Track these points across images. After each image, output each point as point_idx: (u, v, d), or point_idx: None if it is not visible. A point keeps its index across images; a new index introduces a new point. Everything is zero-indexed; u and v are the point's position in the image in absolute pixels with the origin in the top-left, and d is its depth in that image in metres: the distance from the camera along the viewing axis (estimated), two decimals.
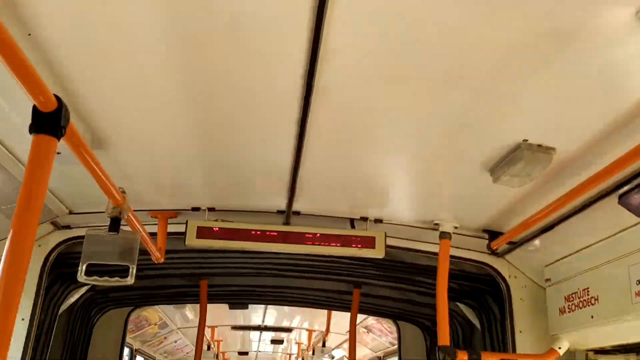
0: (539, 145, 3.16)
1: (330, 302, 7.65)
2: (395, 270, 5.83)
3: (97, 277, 3.13)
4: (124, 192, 3.16)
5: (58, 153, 3.26)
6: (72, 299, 6.17)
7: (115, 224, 3.09)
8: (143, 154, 3.64)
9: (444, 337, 4.29)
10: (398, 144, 3.43)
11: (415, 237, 5.04)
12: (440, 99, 2.86)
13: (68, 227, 4.78)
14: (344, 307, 7.69)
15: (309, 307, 8.18)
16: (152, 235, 4.51)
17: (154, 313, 9.96)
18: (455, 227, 4.55)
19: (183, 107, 3.04)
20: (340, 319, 10.40)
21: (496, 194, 3.91)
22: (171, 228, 4.86)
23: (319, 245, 4.51)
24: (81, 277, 3.06)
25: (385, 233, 4.60)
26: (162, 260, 4.46)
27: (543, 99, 2.79)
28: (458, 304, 6.51)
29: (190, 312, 10.24)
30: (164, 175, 4.01)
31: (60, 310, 5.90)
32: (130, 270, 3.11)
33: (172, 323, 11.16)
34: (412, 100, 2.88)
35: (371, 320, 10.18)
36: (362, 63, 2.59)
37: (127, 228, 3.78)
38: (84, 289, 6.29)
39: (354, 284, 6.73)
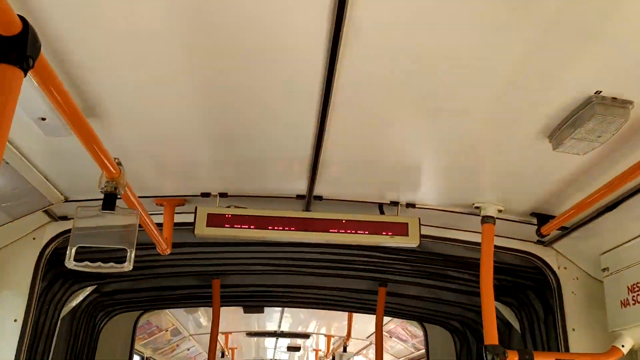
0: (614, 99, 2.63)
1: (353, 303, 7.09)
2: (426, 264, 5.28)
3: (88, 263, 2.64)
4: (119, 163, 2.68)
5: (43, 119, 2.83)
6: (75, 301, 5.70)
7: (109, 201, 2.60)
8: (143, 128, 3.16)
9: (491, 335, 3.74)
10: (434, 114, 2.94)
11: (450, 224, 4.50)
12: (492, 49, 2.36)
13: (65, 218, 4.31)
14: (366, 308, 7.13)
15: (330, 309, 7.60)
16: (159, 226, 4.03)
17: (165, 318, 9.48)
18: (500, 211, 4.01)
19: (190, 74, 2.61)
20: (360, 323, 9.84)
21: (552, 167, 3.37)
22: (179, 218, 4.37)
23: (344, 233, 4.00)
24: (69, 262, 2.58)
25: (419, 219, 4.07)
26: (168, 251, 3.97)
27: (618, 42, 2.28)
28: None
29: (203, 317, 9.73)
30: (169, 154, 3.52)
31: (63, 313, 5.43)
32: (128, 254, 2.62)
33: (185, 329, 10.67)
34: None
35: (391, 325, 9.59)
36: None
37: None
38: (88, 290, 5.82)
39: (380, 281, 6.18)
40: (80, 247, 2.58)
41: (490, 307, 3.84)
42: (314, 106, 2.82)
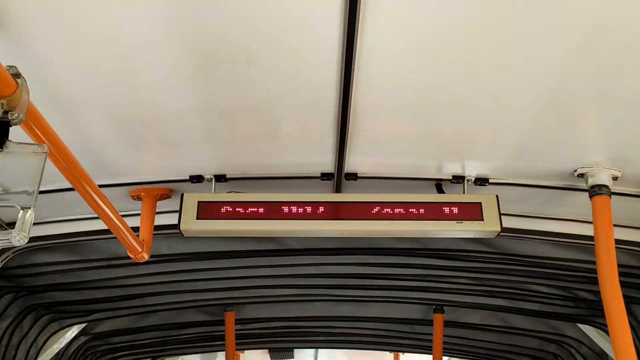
0: None
1: (402, 339, 5.69)
2: (497, 274, 3.99)
3: None
4: (17, 75, 1.60)
5: None
6: (58, 345, 4.58)
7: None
8: (93, 62, 2.10)
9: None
10: (518, 45, 1.91)
11: (535, 211, 3.27)
12: None
13: None
14: (419, 346, 5.74)
15: (375, 348, 6.17)
16: (135, 230, 2.93)
17: None
18: (615, 178, 2.78)
19: None
20: None
21: None
22: (164, 219, 3.28)
23: (391, 220, 2.80)
24: None
25: (497, 196, 2.87)
26: (145, 256, 2.83)
27: None
28: (580, 325, 4.60)
29: None
30: (135, 112, 2.44)
31: None
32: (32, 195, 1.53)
33: None
34: None
35: None
36: None
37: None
38: (74, 331, 4.71)
39: (435, 305, 4.88)
40: None
41: (622, 327, 2.52)
42: (335, 41, 1.85)
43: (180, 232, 2.86)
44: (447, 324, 5.04)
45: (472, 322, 5.11)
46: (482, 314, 5.00)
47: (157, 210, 3.29)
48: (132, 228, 2.77)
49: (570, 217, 3.22)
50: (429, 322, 5.08)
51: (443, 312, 4.93)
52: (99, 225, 3.34)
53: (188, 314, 5.08)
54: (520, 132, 2.58)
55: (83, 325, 4.83)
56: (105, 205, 2.35)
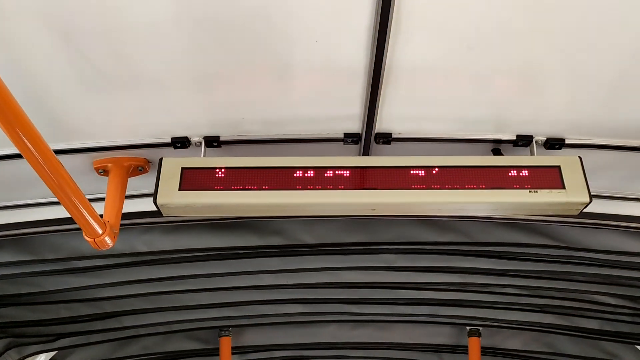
0: None
1: None
2: (560, 278, 3.22)
3: None
4: None
5: None
6: None
7: None
8: None
9: None
10: None
11: (624, 188, 2.55)
12: None
13: None
14: None
15: None
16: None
17: None
18: None
19: None
20: None
21: None
22: (140, 205, 2.56)
23: (439, 189, 2.08)
24: None
25: (581, 158, 2.15)
26: (108, 243, 2.08)
27: None
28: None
29: None
30: (91, 26, 1.75)
31: None
32: None
33: None
34: None
35: None
36: None
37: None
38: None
39: (470, 326, 4.09)
40: None
41: None
42: None
43: (159, 210, 2.14)
44: (484, 351, 4.23)
45: (511, 348, 4.30)
46: (525, 337, 4.20)
47: (131, 193, 2.58)
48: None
49: None
50: (462, 349, 4.28)
51: (479, 335, 4.13)
52: (54, 212, 2.61)
53: (176, 341, 4.26)
54: (611, 70, 1.91)
55: (51, 354, 4.02)
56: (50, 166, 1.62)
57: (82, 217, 1.90)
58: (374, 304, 3.78)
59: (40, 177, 1.67)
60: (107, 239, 2.07)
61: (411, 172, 2.11)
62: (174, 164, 2.14)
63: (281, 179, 2.10)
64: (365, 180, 2.10)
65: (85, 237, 2.02)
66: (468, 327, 4.13)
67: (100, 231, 2.02)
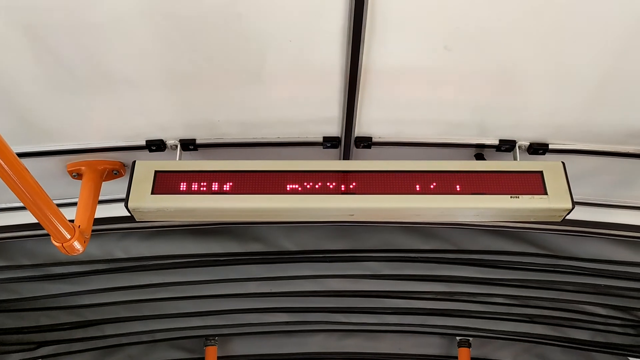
0: None
1: None
2: (548, 288, 3.15)
3: None
4: None
5: None
6: None
7: None
8: None
9: None
10: None
11: (608, 195, 2.50)
12: None
13: None
14: None
15: None
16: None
17: None
18: None
19: None
20: None
21: None
22: (119, 210, 2.49)
23: (420, 193, 2.03)
24: None
25: (564, 163, 2.10)
26: (78, 249, 2.02)
27: None
28: None
29: None
30: (55, 19, 1.70)
31: None
32: None
33: None
34: None
35: None
36: None
37: None
38: None
39: (460, 336, 4.01)
40: None
41: None
42: None
43: (132, 216, 2.08)
44: None
45: None
46: (516, 348, 4.13)
47: (108, 198, 2.53)
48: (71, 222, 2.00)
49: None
50: None
51: (470, 345, 4.06)
52: (29, 216, 2.55)
53: (161, 350, 4.18)
54: (595, 74, 1.87)
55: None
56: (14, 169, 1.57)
57: (49, 221, 1.84)
58: (361, 313, 3.71)
59: (3, 180, 1.61)
60: (77, 244, 2.01)
61: (390, 176, 2.06)
62: (147, 167, 2.09)
63: (257, 183, 2.05)
64: (344, 184, 2.04)
65: (53, 242, 1.96)
66: (458, 338, 4.06)
67: (68, 236, 1.96)
